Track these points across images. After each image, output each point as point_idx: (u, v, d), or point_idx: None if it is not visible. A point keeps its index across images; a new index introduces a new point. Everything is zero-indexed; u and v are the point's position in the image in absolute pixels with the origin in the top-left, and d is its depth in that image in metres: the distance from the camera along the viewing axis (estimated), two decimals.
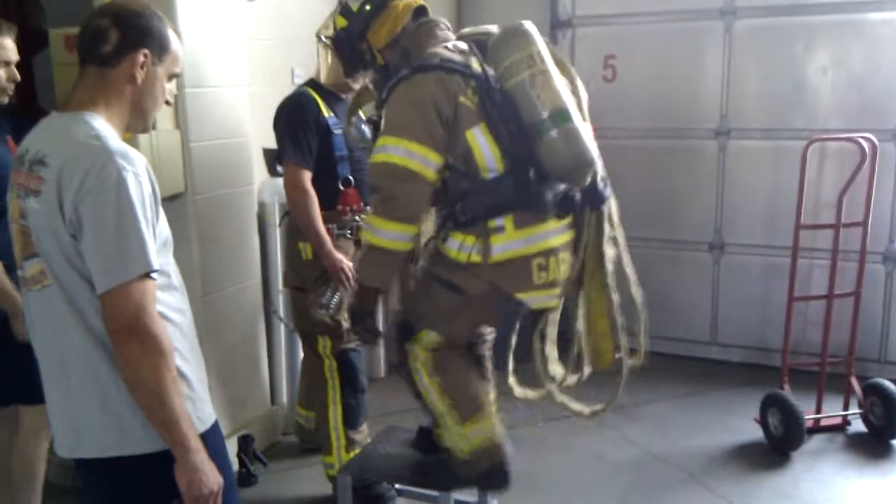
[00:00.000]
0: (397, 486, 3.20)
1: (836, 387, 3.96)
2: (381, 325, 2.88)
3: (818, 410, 3.94)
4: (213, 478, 1.68)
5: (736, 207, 4.86)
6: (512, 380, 2.73)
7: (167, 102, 1.83)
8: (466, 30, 2.62)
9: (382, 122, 2.48)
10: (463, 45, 2.52)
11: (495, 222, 2.42)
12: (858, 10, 4.45)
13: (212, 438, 1.79)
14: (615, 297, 2.56)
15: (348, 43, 2.64)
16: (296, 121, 3.15)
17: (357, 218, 3.28)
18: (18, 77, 2.69)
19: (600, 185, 2.50)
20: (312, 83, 3.31)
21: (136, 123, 1.79)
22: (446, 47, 2.50)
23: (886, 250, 4.52)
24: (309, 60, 3.95)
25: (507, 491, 2.65)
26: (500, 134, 2.38)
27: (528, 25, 2.44)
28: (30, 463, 2.80)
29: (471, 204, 2.41)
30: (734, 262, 4.91)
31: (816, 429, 3.91)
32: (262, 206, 3.88)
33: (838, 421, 3.96)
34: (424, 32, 2.56)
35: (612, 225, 2.58)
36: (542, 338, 2.62)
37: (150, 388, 1.61)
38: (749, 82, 4.73)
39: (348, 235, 3.27)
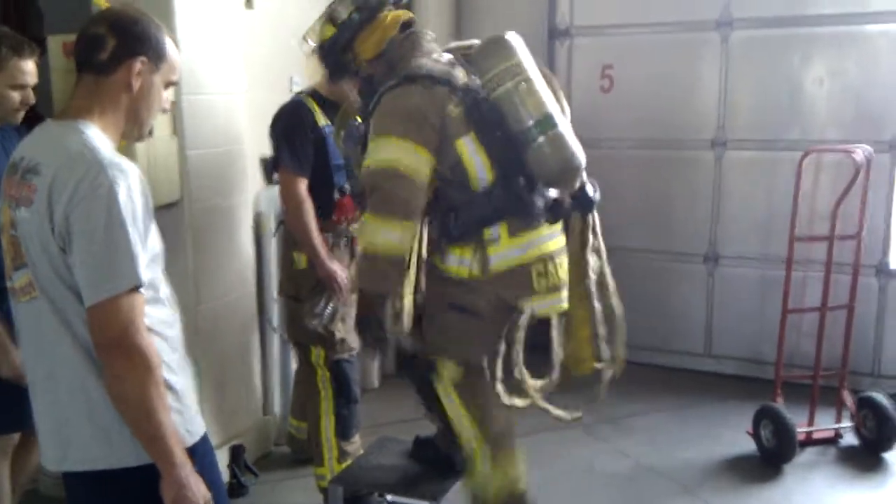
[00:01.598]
0: (389, 497, 3.19)
1: (828, 400, 3.96)
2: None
3: (811, 423, 3.94)
4: (199, 492, 1.68)
5: (731, 219, 4.86)
6: (500, 387, 2.72)
7: (164, 110, 1.83)
8: (453, 44, 2.64)
9: (371, 129, 2.48)
10: (448, 56, 2.55)
11: (490, 232, 2.43)
12: (855, 22, 4.46)
13: (201, 450, 1.79)
14: (597, 305, 2.59)
15: (334, 51, 2.63)
16: (292, 129, 3.16)
17: (352, 227, 3.28)
18: (33, 100, 2.67)
19: (589, 190, 2.52)
20: (310, 91, 3.31)
21: (132, 131, 1.79)
22: (432, 58, 2.52)
23: (880, 263, 4.53)
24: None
25: None
26: (489, 142, 2.40)
27: (510, 36, 2.46)
28: None
29: (463, 215, 2.43)
30: (729, 274, 4.91)
31: (809, 442, 3.91)
32: (258, 214, 3.87)
33: (831, 434, 3.96)
34: (410, 44, 2.56)
35: (595, 234, 2.59)
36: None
37: (137, 402, 1.60)
38: (745, 93, 4.74)
39: (343, 245, 3.27)
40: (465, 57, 2.53)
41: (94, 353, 1.64)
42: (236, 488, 3.51)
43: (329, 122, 3.21)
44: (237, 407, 3.74)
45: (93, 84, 1.71)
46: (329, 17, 2.63)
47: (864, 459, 3.82)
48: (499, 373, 2.69)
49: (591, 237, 2.57)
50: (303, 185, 3.15)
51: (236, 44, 3.60)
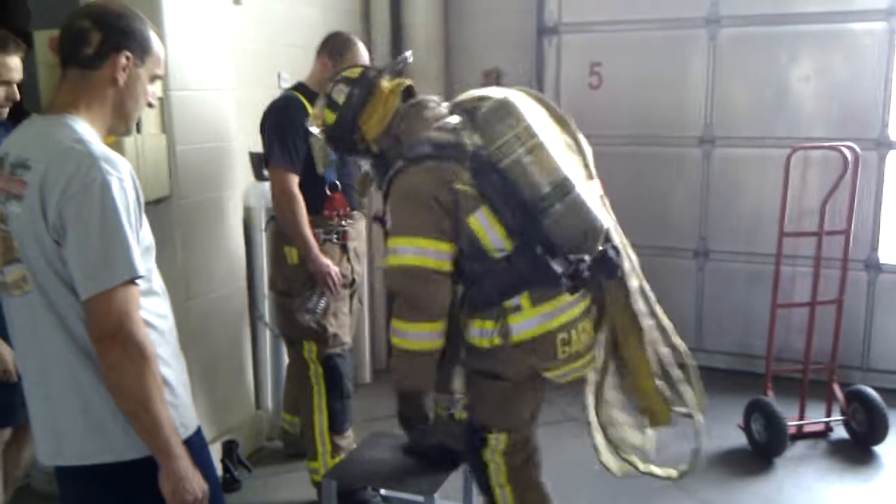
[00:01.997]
0: (382, 491, 3.19)
1: (818, 393, 3.99)
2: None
3: (801, 417, 3.96)
4: (197, 485, 1.68)
5: (720, 215, 4.89)
6: (607, 457, 2.69)
7: (149, 104, 1.82)
8: (460, 97, 2.53)
9: (388, 220, 2.46)
10: (454, 122, 2.43)
11: (511, 302, 2.37)
12: (841, 21, 4.49)
13: (195, 444, 1.78)
14: (663, 350, 2.52)
15: (340, 135, 2.55)
16: (283, 124, 3.15)
17: (344, 223, 3.27)
18: (18, 96, 2.66)
19: (611, 253, 2.42)
20: (300, 87, 3.30)
21: (119, 126, 1.78)
22: (437, 127, 2.43)
23: (868, 258, 4.56)
24: (295, 64, 3.96)
25: None
26: (503, 214, 2.33)
27: (515, 97, 2.38)
28: None
29: (485, 286, 2.38)
30: (718, 269, 4.94)
31: (799, 435, 3.94)
32: (247, 210, 3.87)
33: (821, 427, 3.99)
34: (413, 115, 2.49)
35: (637, 277, 2.53)
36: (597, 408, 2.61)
37: (134, 394, 1.60)
38: (733, 91, 4.77)
39: (335, 240, 3.27)
40: (469, 114, 2.42)
41: (87, 346, 1.64)
42: (229, 483, 3.51)
43: None
44: (229, 402, 3.73)
45: (78, 79, 1.71)
46: (328, 102, 2.54)
47: (854, 452, 3.85)
48: (599, 439, 2.65)
49: (634, 281, 2.50)
50: (294, 182, 3.15)
51: (224, 40, 3.59)
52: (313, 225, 3.18)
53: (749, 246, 4.80)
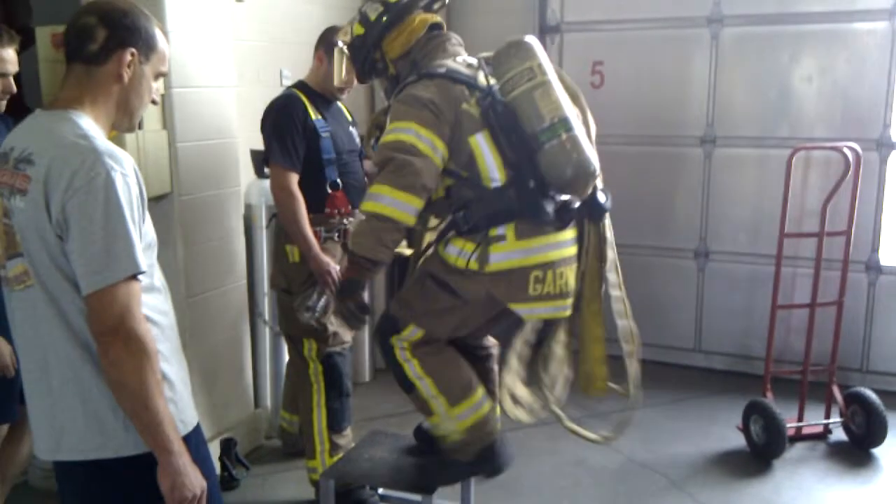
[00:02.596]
0: (380, 490, 3.19)
1: (818, 395, 3.99)
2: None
3: (800, 419, 3.96)
4: (196, 481, 1.68)
5: (721, 215, 4.89)
6: (508, 401, 2.71)
7: (153, 101, 1.82)
8: (482, 54, 2.61)
9: (388, 117, 2.51)
10: (472, 60, 2.57)
11: (496, 231, 2.43)
12: (844, 20, 4.49)
13: (194, 441, 1.78)
14: (620, 323, 2.56)
15: (363, 50, 2.67)
16: (283, 123, 3.14)
17: (345, 221, 3.27)
18: (14, 89, 2.67)
19: (600, 196, 2.50)
20: (301, 85, 3.30)
21: (123, 122, 1.78)
22: (456, 61, 2.56)
23: (869, 260, 4.56)
24: (297, 61, 3.96)
25: (504, 468, 2.63)
26: (502, 143, 2.41)
27: (530, 39, 2.46)
28: None
29: (473, 212, 2.43)
30: (719, 270, 4.94)
31: (798, 437, 3.94)
32: (248, 207, 3.87)
33: (820, 429, 3.99)
34: (435, 46, 2.60)
35: (613, 251, 2.57)
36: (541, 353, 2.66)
37: (134, 390, 1.60)
38: (735, 90, 4.76)
39: (336, 238, 3.27)
40: (486, 61, 2.54)
41: (88, 342, 1.64)
42: (228, 481, 3.51)
43: (321, 116, 3.21)
44: (228, 400, 3.73)
45: (83, 74, 1.71)
46: (360, 17, 2.67)
47: (852, 455, 3.85)
48: (507, 381, 2.69)
49: (609, 252, 2.55)
50: (294, 180, 3.14)
51: (226, 37, 3.59)
52: (314, 223, 3.18)
53: (749, 247, 4.79)
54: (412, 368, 2.58)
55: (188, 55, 3.33)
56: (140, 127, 3.13)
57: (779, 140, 4.59)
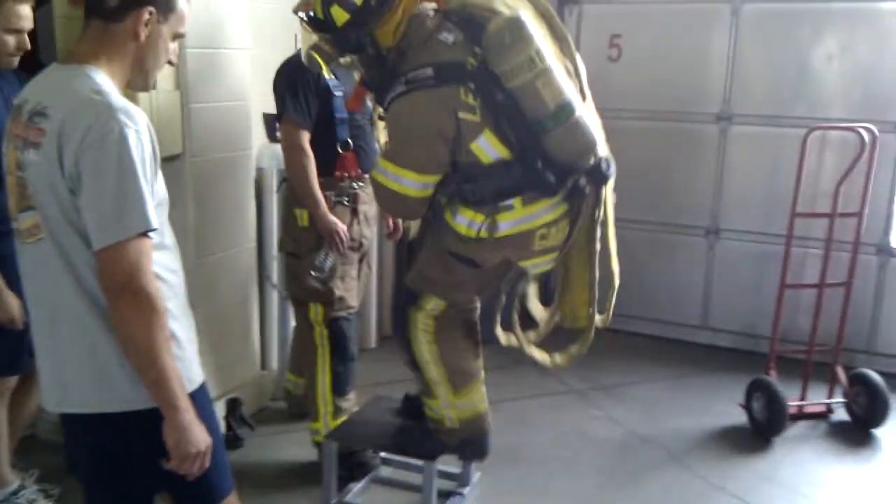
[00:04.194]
0: (382, 453, 3.23)
1: (822, 376, 3.99)
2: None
3: (803, 398, 3.97)
4: (200, 438, 1.70)
5: (734, 193, 4.86)
6: (498, 330, 2.83)
7: (170, 62, 1.82)
8: (455, 3, 2.50)
9: (387, 135, 2.58)
10: (451, 39, 2.41)
11: (504, 202, 2.47)
12: None
13: (199, 399, 1.80)
14: (597, 272, 2.65)
15: (353, 37, 2.48)
16: (296, 79, 3.13)
17: (355, 185, 3.27)
18: (28, 45, 2.66)
19: (603, 165, 2.52)
20: (316, 47, 3.27)
21: (138, 81, 1.78)
22: (438, 40, 2.41)
23: (881, 242, 4.53)
24: None
25: (484, 459, 2.84)
26: (506, 133, 2.41)
27: (524, 18, 2.35)
28: None
29: (482, 186, 2.45)
30: (729, 248, 4.92)
31: (800, 415, 3.95)
32: (260, 171, 3.87)
33: (822, 409, 4.00)
34: (415, 29, 2.45)
35: (604, 208, 2.62)
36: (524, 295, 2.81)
37: (143, 346, 1.62)
38: (753, 68, 4.71)
39: (346, 202, 3.26)
40: (476, 23, 2.39)
41: (97, 296, 1.65)
42: (232, 441, 3.54)
43: (333, 76, 3.19)
44: (235, 361, 3.77)
45: (100, 30, 1.70)
46: (340, 2, 2.43)
47: (853, 435, 3.86)
48: (498, 318, 2.82)
49: (603, 209, 2.60)
50: (305, 138, 3.14)
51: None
52: (325, 187, 3.18)
53: (761, 226, 4.77)
54: (426, 351, 2.70)
55: (204, 16, 3.32)
56: (154, 86, 3.12)
57: (795, 119, 4.54)
